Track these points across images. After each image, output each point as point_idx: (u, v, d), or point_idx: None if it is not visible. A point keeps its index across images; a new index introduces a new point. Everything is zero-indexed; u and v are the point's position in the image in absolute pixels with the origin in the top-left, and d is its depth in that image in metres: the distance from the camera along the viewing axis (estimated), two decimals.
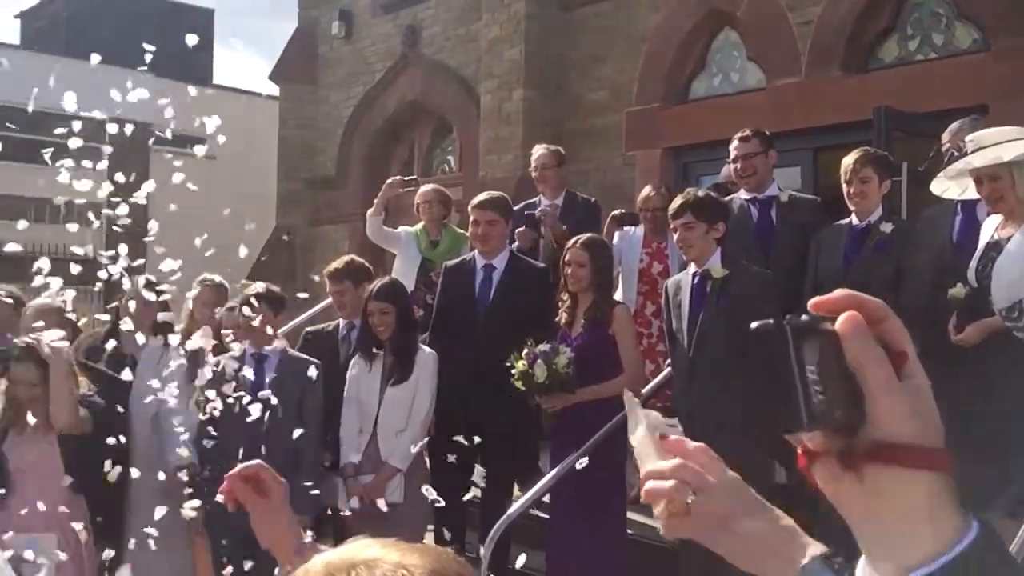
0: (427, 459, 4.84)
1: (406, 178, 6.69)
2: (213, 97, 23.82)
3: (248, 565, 3.99)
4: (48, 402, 3.82)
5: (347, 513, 4.34)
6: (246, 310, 4.33)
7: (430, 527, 4.81)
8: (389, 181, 6.51)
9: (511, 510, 4.49)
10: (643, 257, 5.83)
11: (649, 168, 8.66)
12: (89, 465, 3.89)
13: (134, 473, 4.46)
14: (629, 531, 4.77)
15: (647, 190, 5.99)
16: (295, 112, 12.88)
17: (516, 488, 5.04)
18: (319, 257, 10.97)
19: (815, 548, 0.88)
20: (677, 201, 4.50)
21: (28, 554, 3.72)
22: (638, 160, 8.96)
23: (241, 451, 3.51)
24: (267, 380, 4.19)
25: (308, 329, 5.67)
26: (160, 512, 4.27)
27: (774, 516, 0.93)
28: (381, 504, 3.29)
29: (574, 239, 4.85)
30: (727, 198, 5.13)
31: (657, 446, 0.92)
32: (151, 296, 4.88)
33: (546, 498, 4.83)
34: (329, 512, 4.88)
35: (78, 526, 3.72)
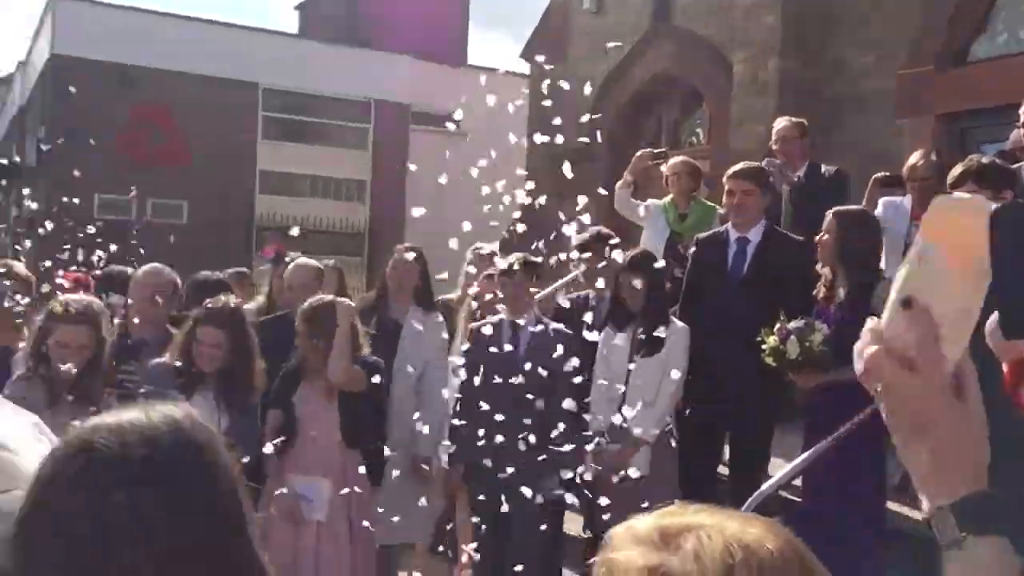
0: (675, 433, 4.80)
1: (656, 150, 6.63)
2: (465, 77, 24.83)
3: (503, 512, 4.17)
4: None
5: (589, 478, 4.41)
6: (503, 279, 4.49)
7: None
8: (639, 154, 6.47)
9: (763, 488, 4.35)
10: (911, 230, 5.43)
11: (920, 136, 8.02)
12: (361, 420, 4.21)
13: (394, 432, 4.76)
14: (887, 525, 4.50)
15: (915, 158, 5.56)
16: (544, 88, 13.11)
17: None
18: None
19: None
20: (957, 169, 4.13)
21: (306, 494, 4.09)
22: (908, 128, 8.32)
23: (499, 415, 3.65)
24: (522, 348, 4.31)
25: (559, 298, 5.78)
26: (408, 473, 4.56)
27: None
28: (632, 473, 3.32)
29: (832, 209, 4.61)
30: (1015, 166, 4.65)
31: (897, 313, 0.81)
32: (413, 263, 5.21)
33: (797, 481, 4.66)
34: (577, 480, 4.97)
35: (351, 474, 4.04)
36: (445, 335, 5.21)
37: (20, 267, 4.36)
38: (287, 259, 5.95)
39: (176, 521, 1.09)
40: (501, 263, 4.73)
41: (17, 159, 24.19)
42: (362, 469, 4.05)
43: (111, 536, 1.06)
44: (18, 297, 4.14)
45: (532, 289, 4.59)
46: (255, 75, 21.91)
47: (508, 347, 4.25)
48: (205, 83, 20.88)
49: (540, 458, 4.06)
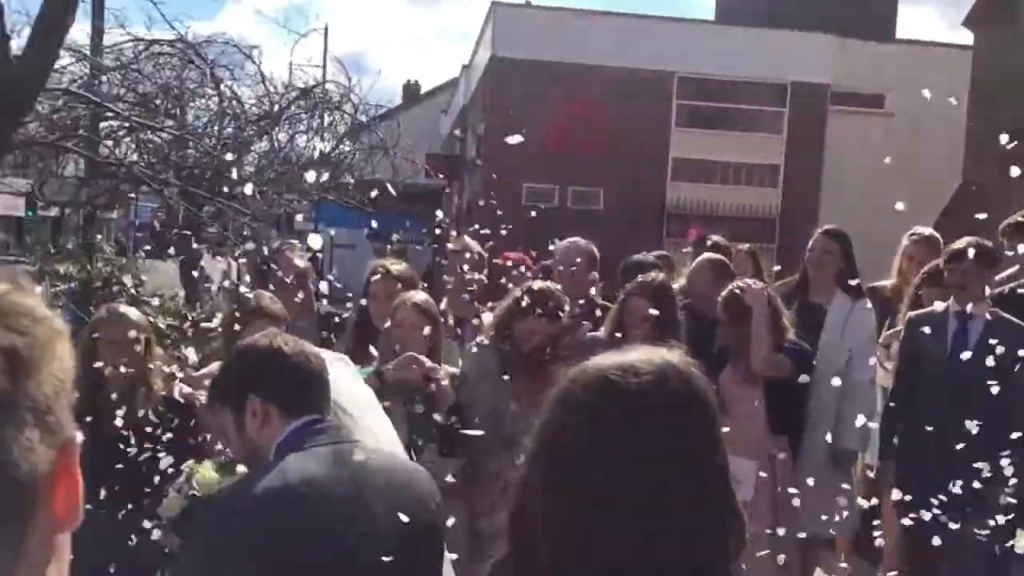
0: None
1: None
2: (894, 53, 23.05)
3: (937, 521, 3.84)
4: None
5: None
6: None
7: None
8: None
9: None
10: None
11: None
12: (786, 406, 4.13)
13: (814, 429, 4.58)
14: None
15: None
16: (990, 58, 11.76)
17: None
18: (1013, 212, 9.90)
19: None
20: None
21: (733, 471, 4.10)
22: None
23: (938, 415, 3.37)
24: (971, 342, 3.92)
25: (1000, 289, 5.17)
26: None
27: None
28: None
29: None
30: None
31: None
32: (833, 247, 4.98)
33: None
34: None
35: (776, 460, 4.00)
36: (873, 323, 4.92)
37: (475, 245, 4.86)
38: (709, 243, 6.00)
39: (678, 457, 1.16)
40: (957, 245, 4.33)
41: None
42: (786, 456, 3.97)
43: (616, 465, 1.15)
44: (473, 273, 4.64)
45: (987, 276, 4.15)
46: (671, 64, 22.36)
47: (952, 340, 3.89)
48: (624, 75, 21.75)
49: (986, 467, 3.67)
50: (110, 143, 10.20)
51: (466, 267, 4.71)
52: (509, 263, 5.32)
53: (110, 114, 9.46)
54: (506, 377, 3.74)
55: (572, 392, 1.24)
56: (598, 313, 4.54)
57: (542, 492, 1.20)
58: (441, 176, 21.35)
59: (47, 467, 0.62)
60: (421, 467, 2.23)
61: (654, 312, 3.91)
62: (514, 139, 2.26)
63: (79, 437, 0.66)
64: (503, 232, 4.58)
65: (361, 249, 16.98)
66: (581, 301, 4.43)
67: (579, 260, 4.80)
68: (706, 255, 5.36)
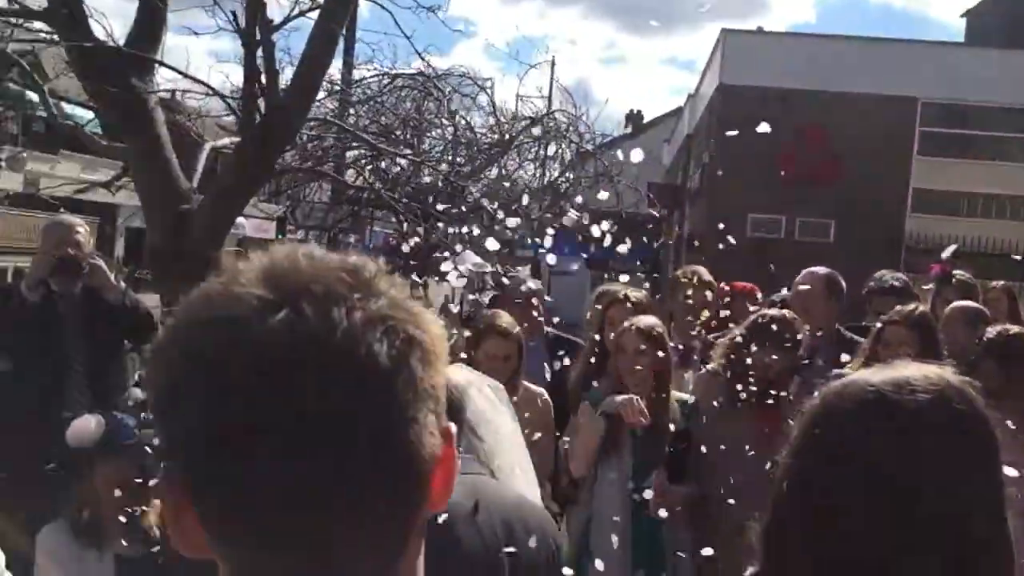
0: None
1: None
2: None
3: None
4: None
5: None
6: None
7: None
8: None
9: None
10: None
11: None
12: None
13: None
14: None
15: None
16: None
17: None
18: None
19: None
20: None
21: None
22: None
23: None
24: None
25: None
26: None
27: None
28: None
29: None
30: None
31: None
32: None
33: None
34: None
35: None
36: None
37: (705, 272, 4.79)
38: (954, 280, 5.55)
39: (956, 482, 1.09)
40: None
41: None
42: None
43: (887, 485, 1.09)
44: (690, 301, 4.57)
45: None
46: (914, 89, 21.09)
47: None
48: (861, 101, 20.74)
49: None
50: (355, 171, 10.93)
51: (694, 294, 4.64)
52: (737, 292, 5.19)
53: (356, 143, 10.15)
54: (736, 408, 3.63)
55: (838, 406, 1.17)
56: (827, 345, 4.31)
57: (801, 509, 1.16)
58: (662, 206, 21.23)
59: (437, 452, 0.68)
60: (542, 506, 2.24)
61: (915, 342, 3.63)
62: None
63: (453, 427, 0.71)
64: (725, 263, 4.49)
65: (579, 275, 17.18)
66: (820, 332, 4.22)
67: (818, 288, 4.57)
68: (959, 303, 4.94)
